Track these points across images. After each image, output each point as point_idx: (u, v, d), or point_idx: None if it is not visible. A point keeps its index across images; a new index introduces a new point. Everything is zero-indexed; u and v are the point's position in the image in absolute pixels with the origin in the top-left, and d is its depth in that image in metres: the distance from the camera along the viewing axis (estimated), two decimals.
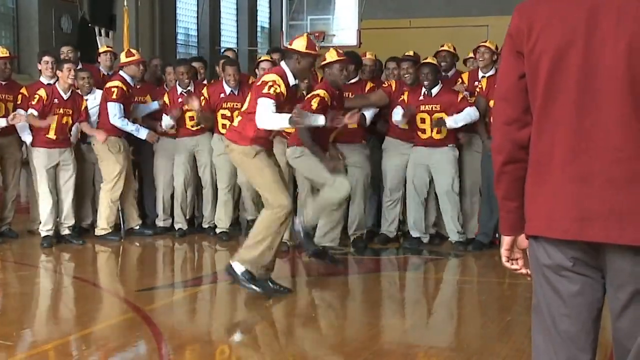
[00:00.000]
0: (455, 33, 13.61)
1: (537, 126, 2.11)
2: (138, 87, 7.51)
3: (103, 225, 7.22)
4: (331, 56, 5.77)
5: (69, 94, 6.85)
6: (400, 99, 6.79)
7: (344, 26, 13.12)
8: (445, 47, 7.36)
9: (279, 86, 4.99)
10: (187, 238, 7.24)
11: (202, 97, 7.04)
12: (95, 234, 7.23)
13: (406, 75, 6.79)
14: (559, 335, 2.18)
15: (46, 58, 7.09)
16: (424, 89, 6.68)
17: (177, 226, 7.43)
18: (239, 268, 5.09)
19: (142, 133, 7.22)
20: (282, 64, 5.20)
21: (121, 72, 7.28)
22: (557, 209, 2.08)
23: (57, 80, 6.87)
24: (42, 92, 6.78)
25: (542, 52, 2.06)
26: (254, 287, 5.08)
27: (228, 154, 5.44)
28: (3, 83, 7.05)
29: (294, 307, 5.31)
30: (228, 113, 7.01)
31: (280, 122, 5.03)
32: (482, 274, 6.32)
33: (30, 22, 13.41)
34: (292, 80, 5.12)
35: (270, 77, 5.06)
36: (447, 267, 6.55)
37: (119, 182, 7.17)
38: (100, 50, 8.34)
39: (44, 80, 7.08)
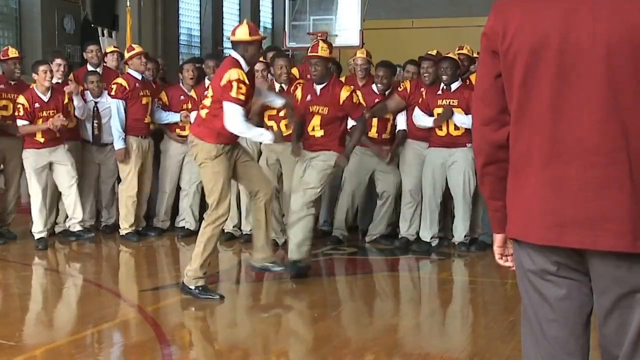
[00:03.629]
0: (457, 33, 13.58)
1: (514, 128, 2.08)
2: (190, 93, 7.41)
3: (123, 225, 7.25)
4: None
5: (48, 95, 6.76)
6: (420, 100, 6.71)
7: (346, 26, 13.12)
8: (465, 51, 7.31)
9: (244, 84, 4.99)
10: (191, 238, 7.24)
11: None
12: (119, 234, 7.26)
13: (425, 75, 6.74)
14: (547, 341, 2.14)
15: (58, 60, 7.01)
16: (442, 84, 6.61)
17: (186, 225, 7.42)
18: (192, 284, 5.17)
19: (118, 144, 7.10)
20: (233, 53, 5.14)
21: (129, 70, 7.30)
22: (534, 214, 2.04)
23: (35, 83, 6.76)
24: (22, 101, 6.65)
25: (517, 53, 2.02)
26: (211, 296, 5.19)
27: (191, 149, 5.32)
28: (12, 83, 7.04)
29: (295, 307, 5.31)
30: None
31: (254, 135, 5.29)
32: (485, 274, 6.30)
33: (33, 23, 13.39)
34: (245, 69, 5.12)
35: (234, 74, 4.97)
36: (450, 267, 6.54)
37: (132, 181, 7.18)
38: (107, 50, 8.33)
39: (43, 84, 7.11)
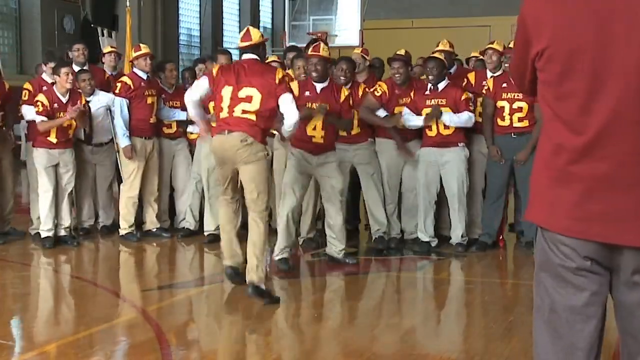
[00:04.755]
0: (457, 33, 13.59)
1: (549, 124, 2.16)
2: (171, 92, 7.45)
3: (123, 225, 7.25)
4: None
5: (67, 97, 6.80)
6: (404, 100, 6.70)
7: (346, 26, 13.13)
8: (441, 47, 7.29)
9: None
10: (191, 238, 7.24)
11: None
12: (119, 234, 7.27)
13: (397, 75, 6.73)
14: (570, 335, 2.18)
15: (65, 69, 6.81)
16: (429, 84, 6.61)
17: (185, 225, 7.44)
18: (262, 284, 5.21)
19: (123, 141, 7.11)
20: (253, 55, 5.38)
21: (134, 69, 7.31)
22: (562, 206, 2.12)
23: (55, 83, 6.81)
24: (42, 99, 6.71)
25: (552, 55, 2.08)
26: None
27: (241, 148, 5.16)
28: None
29: (295, 307, 5.31)
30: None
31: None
32: (485, 275, 6.31)
33: (32, 23, 13.42)
34: None
35: (281, 71, 5.47)
36: (450, 268, 6.53)
37: (134, 181, 7.19)
38: (105, 50, 8.34)
39: (46, 78, 7.11)
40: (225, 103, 5.21)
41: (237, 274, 5.44)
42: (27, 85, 7.23)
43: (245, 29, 5.60)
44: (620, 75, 2.00)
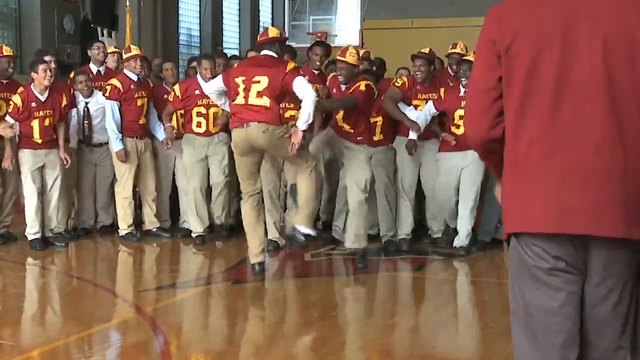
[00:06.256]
0: (457, 33, 13.54)
1: (514, 126, 2.18)
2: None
3: (122, 226, 7.25)
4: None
5: (46, 94, 6.73)
6: (424, 95, 6.72)
7: (346, 26, 13.16)
8: (458, 49, 7.27)
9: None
10: (191, 239, 7.24)
11: (174, 94, 7.04)
12: (119, 234, 7.27)
13: (418, 73, 6.72)
14: (549, 335, 2.21)
15: (43, 66, 6.70)
16: (462, 88, 6.53)
17: (186, 226, 7.44)
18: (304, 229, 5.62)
19: (115, 145, 7.09)
20: (268, 51, 5.61)
21: (125, 70, 7.28)
22: (538, 205, 2.14)
23: (32, 82, 6.73)
24: (16, 100, 6.64)
25: (518, 53, 2.14)
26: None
27: (260, 136, 5.40)
28: (4, 82, 7.02)
29: (295, 307, 5.31)
30: (203, 110, 7.01)
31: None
32: (484, 274, 6.31)
33: (32, 23, 13.39)
34: None
35: (293, 63, 5.69)
36: (449, 268, 6.53)
37: (127, 181, 7.18)
38: (109, 50, 8.33)
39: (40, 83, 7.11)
40: (241, 88, 5.46)
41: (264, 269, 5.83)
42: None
43: (265, 28, 5.92)
44: (583, 71, 2.07)
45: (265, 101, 5.39)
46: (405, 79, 6.78)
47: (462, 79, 6.54)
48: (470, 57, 6.65)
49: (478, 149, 2.32)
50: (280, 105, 5.67)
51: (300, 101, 5.52)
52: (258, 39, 5.84)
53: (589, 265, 2.16)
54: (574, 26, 2.08)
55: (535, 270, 2.19)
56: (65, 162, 6.81)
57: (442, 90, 6.69)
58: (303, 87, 5.41)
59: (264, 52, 5.63)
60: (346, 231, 6.26)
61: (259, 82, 5.41)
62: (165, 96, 7.36)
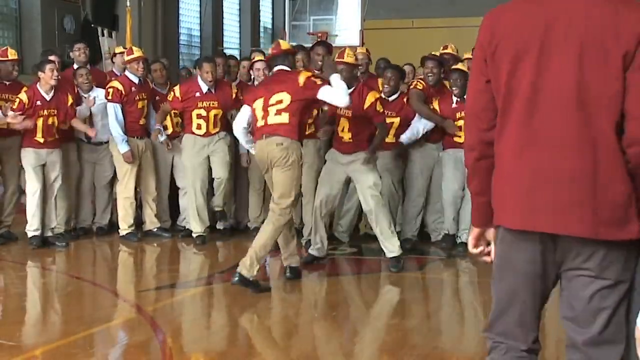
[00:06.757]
0: (457, 33, 13.56)
1: (499, 124, 2.31)
2: (164, 92, 7.44)
3: (122, 226, 7.25)
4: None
5: (51, 94, 6.76)
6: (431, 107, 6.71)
7: (346, 26, 13.16)
8: (449, 50, 7.27)
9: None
10: (191, 238, 7.24)
11: (173, 95, 7.04)
12: (119, 234, 7.27)
13: (430, 75, 6.73)
14: (515, 285, 2.33)
15: (50, 66, 6.78)
16: (455, 97, 6.58)
17: (187, 226, 7.43)
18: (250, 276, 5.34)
19: (122, 147, 7.10)
20: (281, 66, 5.60)
21: (126, 72, 7.29)
22: (510, 202, 2.27)
23: (39, 81, 6.76)
24: (22, 96, 6.65)
25: (503, 56, 2.25)
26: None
27: (276, 150, 5.37)
28: (7, 83, 7.03)
29: (295, 308, 5.31)
30: (204, 112, 7.00)
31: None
32: (485, 274, 6.30)
33: (32, 23, 13.39)
34: None
35: (305, 72, 5.61)
36: (448, 268, 6.53)
37: (128, 182, 7.18)
38: (117, 51, 8.33)
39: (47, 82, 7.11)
40: (259, 114, 5.46)
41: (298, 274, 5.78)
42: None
43: (276, 41, 5.90)
44: (556, 77, 2.17)
45: (284, 117, 5.38)
46: (424, 83, 6.78)
47: (454, 88, 6.57)
48: (460, 66, 6.70)
49: (472, 151, 2.40)
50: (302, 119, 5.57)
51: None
52: (270, 52, 5.81)
53: (562, 261, 2.26)
54: (552, 33, 2.18)
55: (507, 263, 2.34)
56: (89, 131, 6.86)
57: (435, 101, 6.73)
58: (331, 96, 5.38)
59: (277, 67, 5.61)
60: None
61: (281, 100, 5.40)
62: (158, 98, 7.36)
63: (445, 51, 7.30)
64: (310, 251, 6.31)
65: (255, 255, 5.30)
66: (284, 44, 5.84)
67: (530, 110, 2.20)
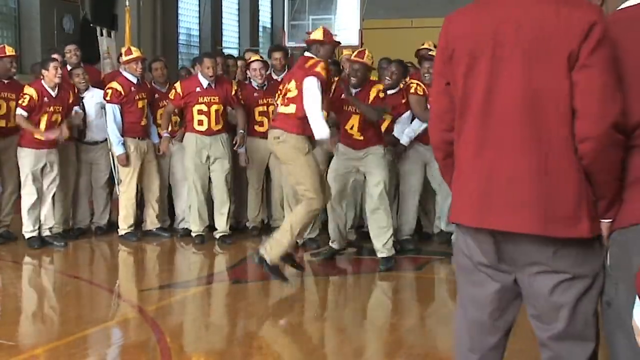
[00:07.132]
0: None
1: (458, 124, 2.37)
2: (164, 90, 7.46)
3: (122, 226, 7.25)
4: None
5: (56, 91, 6.78)
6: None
7: (345, 26, 13.11)
8: (426, 46, 7.31)
9: (324, 68, 5.37)
10: (191, 238, 7.24)
11: (175, 92, 7.02)
12: (118, 234, 7.28)
13: (427, 75, 6.74)
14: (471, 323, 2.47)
15: (54, 64, 6.79)
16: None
17: (186, 226, 7.44)
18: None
19: (117, 149, 7.10)
20: (307, 53, 5.57)
21: (123, 72, 7.28)
22: (466, 200, 2.34)
23: (43, 78, 6.77)
24: (31, 92, 6.65)
25: (459, 58, 2.32)
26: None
27: (274, 144, 5.41)
28: (5, 82, 7.02)
29: (295, 307, 5.31)
30: (205, 108, 6.99)
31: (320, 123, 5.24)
32: None
33: (31, 22, 13.39)
34: None
35: (314, 59, 5.45)
36: (450, 267, 6.53)
37: (131, 183, 7.18)
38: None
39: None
40: (279, 102, 5.51)
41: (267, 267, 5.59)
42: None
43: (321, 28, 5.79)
44: (506, 79, 2.23)
45: (291, 108, 5.34)
46: (423, 86, 6.79)
47: (426, 75, 6.61)
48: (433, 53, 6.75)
49: (437, 150, 2.50)
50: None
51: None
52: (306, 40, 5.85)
53: (516, 259, 2.31)
54: (501, 37, 2.24)
55: (465, 260, 2.42)
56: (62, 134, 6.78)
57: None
58: (306, 93, 5.25)
59: (305, 54, 5.61)
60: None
61: (290, 89, 5.40)
62: (157, 96, 7.36)
63: (423, 47, 7.38)
64: (330, 244, 6.50)
65: (281, 238, 5.37)
66: (316, 33, 5.70)
67: (485, 112, 2.27)
